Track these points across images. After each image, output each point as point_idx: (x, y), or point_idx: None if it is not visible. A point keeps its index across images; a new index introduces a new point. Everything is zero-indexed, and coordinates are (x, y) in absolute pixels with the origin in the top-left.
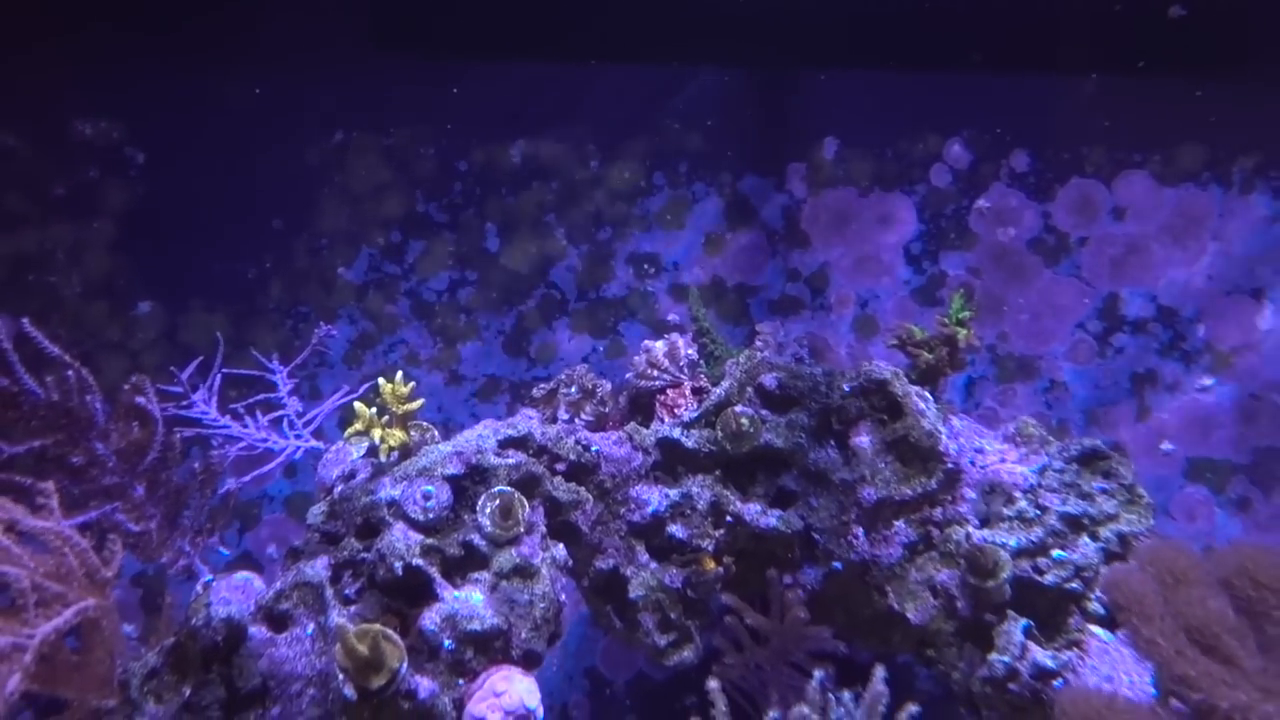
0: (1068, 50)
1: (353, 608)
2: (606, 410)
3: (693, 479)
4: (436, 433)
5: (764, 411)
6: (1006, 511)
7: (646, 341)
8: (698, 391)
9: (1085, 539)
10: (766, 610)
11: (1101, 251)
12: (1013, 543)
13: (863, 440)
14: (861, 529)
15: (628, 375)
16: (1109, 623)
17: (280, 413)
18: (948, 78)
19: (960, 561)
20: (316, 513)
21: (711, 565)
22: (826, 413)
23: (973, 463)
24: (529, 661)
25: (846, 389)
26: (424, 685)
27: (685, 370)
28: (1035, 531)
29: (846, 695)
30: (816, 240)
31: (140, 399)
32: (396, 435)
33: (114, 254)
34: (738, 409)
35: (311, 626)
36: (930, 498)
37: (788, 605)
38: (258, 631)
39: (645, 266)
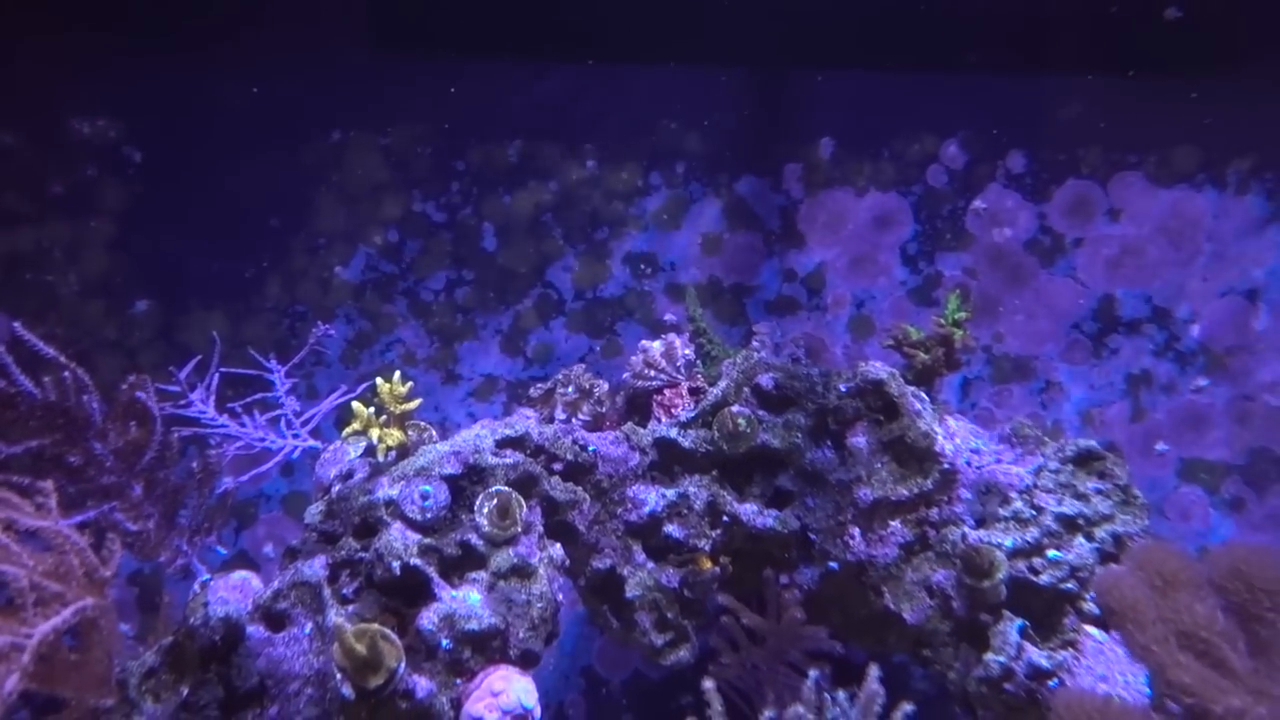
0: (1064, 52)
1: (350, 607)
2: (604, 410)
3: (689, 479)
4: (434, 432)
5: (761, 412)
6: (1002, 512)
7: (644, 342)
8: (695, 392)
9: (1080, 539)
10: (763, 610)
11: (1097, 253)
12: (1008, 543)
13: (859, 441)
14: (858, 529)
15: (625, 375)
16: (1104, 623)
17: (278, 412)
18: (944, 79)
19: (956, 562)
20: (314, 512)
21: (708, 565)
22: (823, 413)
23: (969, 463)
24: (526, 661)
25: (843, 389)
26: (422, 685)
27: (682, 370)
28: (1031, 532)
29: (842, 695)
30: (813, 240)
31: (140, 394)
32: (394, 435)
33: (111, 253)
34: (734, 409)
35: (309, 626)
36: (926, 498)
37: (784, 605)
38: (256, 631)
39: (642, 266)
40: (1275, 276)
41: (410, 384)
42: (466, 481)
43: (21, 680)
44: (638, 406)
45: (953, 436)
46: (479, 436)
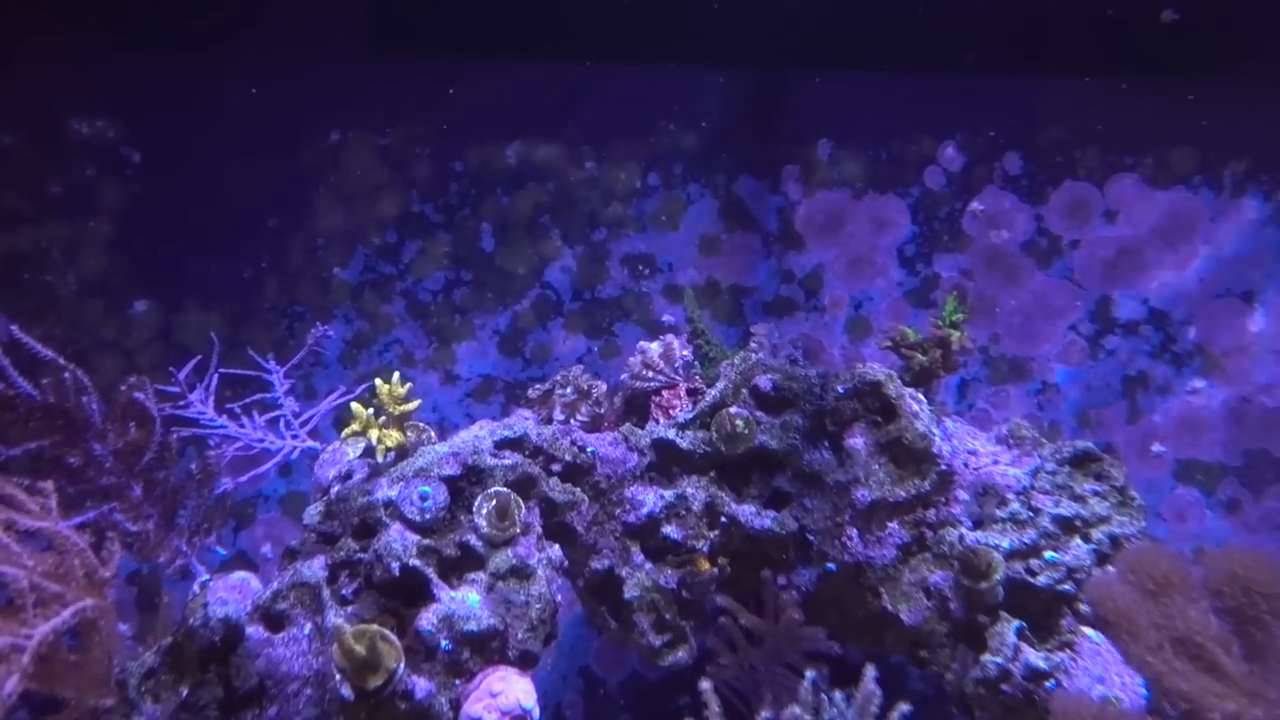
0: (1061, 54)
1: (350, 608)
2: (602, 411)
3: (688, 480)
4: (433, 433)
5: (759, 413)
6: (999, 513)
7: (642, 343)
8: (693, 393)
9: (1077, 541)
10: (761, 611)
11: (1094, 254)
12: (1005, 544)
13: (857, 442)
14: (855, 530)
15: (623, 376)
16: None
17: (277, 413)
18: (941, 81)
19: (953, 563)
20: (313, 513)
21: (706, 566)
22: (821, 414)
23: (966, 465)
24: (525, 662)
25: (841, 391)
26: (421, 686)
27: (680, 371)
28: (1028, 533)
29: (839, 695)
30: (811, 242)
31: (139, 395)
32: (393, 436)
33: (110, 253)
34: (733, 410)
35: (309, 627)
36: (924, 499)
37: (782, 606)
38: (255, 632)
39: (640, 267)
40: (1271, 278)
41: (409, 385)
42: (465, 482)
43: (21, 681)
44: (636, 407)
45: (950, 438)
46: (478, 438)
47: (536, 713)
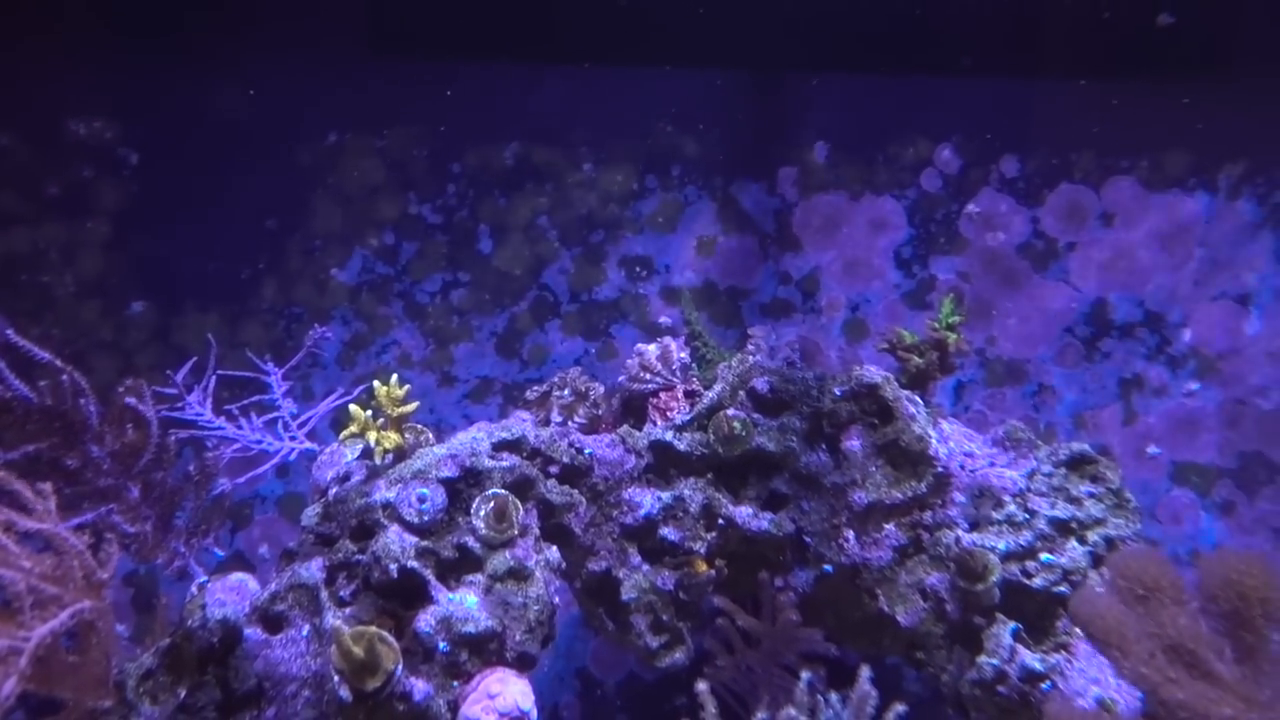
0: (1057, 56)
1: (348, 609)
2: (599, 413)
3: (685, 482)
4: (431, 435)
5: (756, 415)
6: (996, 515)
7: (639, 345)
8: (690, 395)
9: (1073, 543)
10: (758, 612)
11: (1090, 257)
12: (1002, 546)
13: (854, 444)
14: (852, 532)
15: (620, 378)
16: None
17: (275, 414)
18: (938, 83)
19: (950, 565)
20: (311, 514)
21: (703, 568)
22: (818, 416)
23: (962, 467)
24: (523, 663)
25: (838, 393)
26: (419, 687)
27: (678, 373)
28: (1024, 535)
29: (834, 697)
30: (808, 244)
31: (133, 399)
32: (391, 438)
33: (107, 254)
34: (730, 412)
35: (307, 628)
36: (920, 501)
37: (779, 608)
38: (253, 633)
39: (637, 269)
40: (1266, 281)
41: (408, 387)
42: (463, 484)
43: (19, 683)
44: (633, 409)
45: (946, 440)
46: (475, 439)
47: (534, 714)
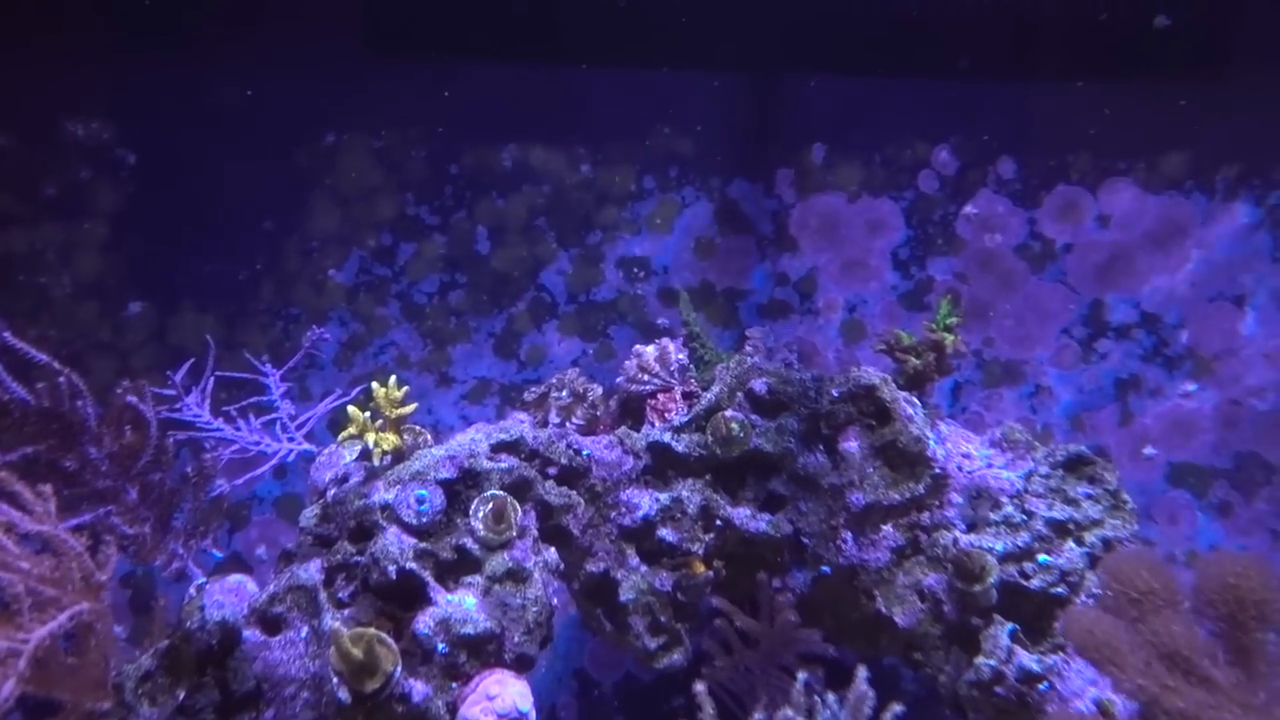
0: (1054, 58)
1: (346, 611)
2: (597, 414)
3: (683, 483)
4: (429, 436)
5: (754, 416)
6: (993, 516)
7: (637, 346)
8: (688, 396)
9: (1071, 544)
10: (756, 613)
11: (1087, 258)
12: (999, 547)
13: (851, 445)
14: (850, 533)
15: (618, 379)
16: None
17: (273, 415)
18: (936, 85)
19: (947, 566)
20: (309, 516)
21: (701, 569)
22: (815, 418)
23: (960, 468)
24: (521, 665)
25: (835, 394)
26: (418, 689)
27: (676, 375)
28: (1021, 536)
29: (831, 697)
30: (805, 245)
31: (134, 399)
32: (390, 439)
33: (105, 255)
34: (728, 414)
35: (305, 630)
36: (918, 503)
37: (777, 608)
38: (252, 635)
39: (635, 270)
40: (1262, 282)
41: (406, 388)
42: (462, 486)
43: (18, 685)
44: (631, 411)
45: (944, 441)
46: (474, 441)
47: (533, 715)
